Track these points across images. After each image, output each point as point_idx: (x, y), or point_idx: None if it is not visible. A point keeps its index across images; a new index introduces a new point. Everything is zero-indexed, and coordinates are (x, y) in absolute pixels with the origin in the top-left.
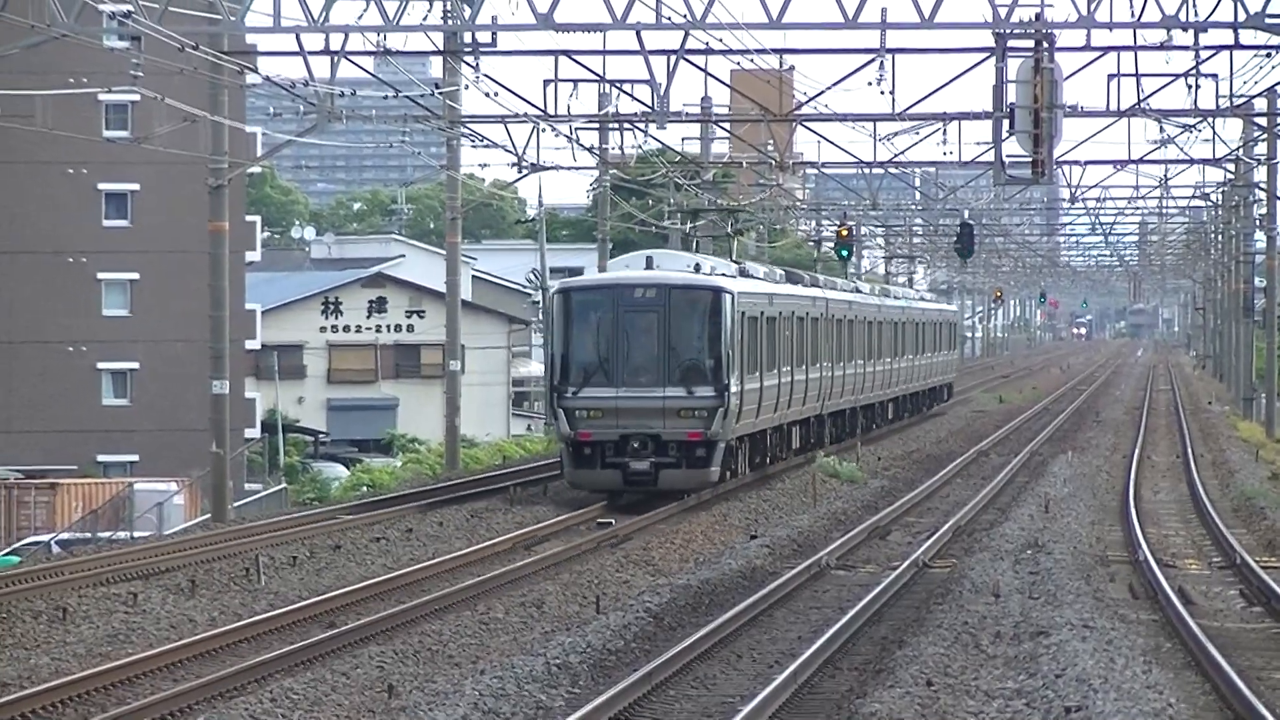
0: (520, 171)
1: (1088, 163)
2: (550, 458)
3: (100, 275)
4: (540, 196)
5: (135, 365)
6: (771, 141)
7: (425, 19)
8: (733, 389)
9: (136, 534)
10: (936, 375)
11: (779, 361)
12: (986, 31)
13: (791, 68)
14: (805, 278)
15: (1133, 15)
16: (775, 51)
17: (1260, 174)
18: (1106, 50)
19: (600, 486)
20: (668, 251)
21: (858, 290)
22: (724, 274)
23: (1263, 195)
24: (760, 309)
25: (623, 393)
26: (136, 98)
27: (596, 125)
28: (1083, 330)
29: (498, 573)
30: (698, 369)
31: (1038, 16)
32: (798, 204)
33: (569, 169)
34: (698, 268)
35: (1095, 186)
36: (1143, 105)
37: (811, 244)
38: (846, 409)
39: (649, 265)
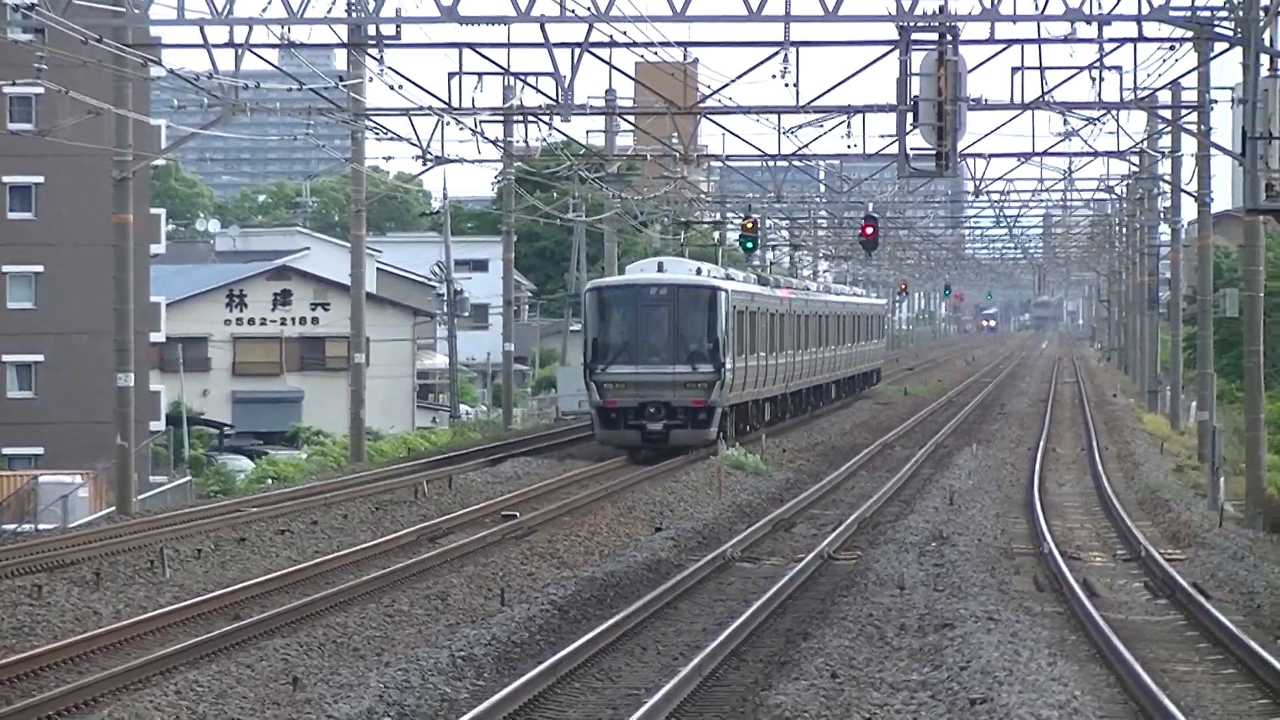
0: (425, 164)
1: (992, 155)
2: (455, 450)
3: (4, 268)
4: (445, 189)
5: (40, 358)
6: (676, 134)
7: (329, 12)
8: (727, 366)
9: (41, 526)
10: (870, 361)
11: (758, 348)
12: (890, 25)
13: (695, 61)
14: (771, 279)
15: (1036, 8)
16: (679, 44)
17: (1164, 167)
18: (1010, 43)
19: (624, 443)
20: (674, 259)
21: (807, 289)
22: (719, 276)
23: (1167, 188)
24: (745, 305)
25: (641, 369)
26: (41, 90)
27: (501, 118)
28: (992, 323)
29: (403, 565)
30: (700, 350)
31: (941, 9)
32: (703, 196)
33: (473, 162)
34: (699, 271)
35: (1000, 179)
36: (1047, 98)
37: (716, 236)
38: (804, 389)
39: (660, 269)
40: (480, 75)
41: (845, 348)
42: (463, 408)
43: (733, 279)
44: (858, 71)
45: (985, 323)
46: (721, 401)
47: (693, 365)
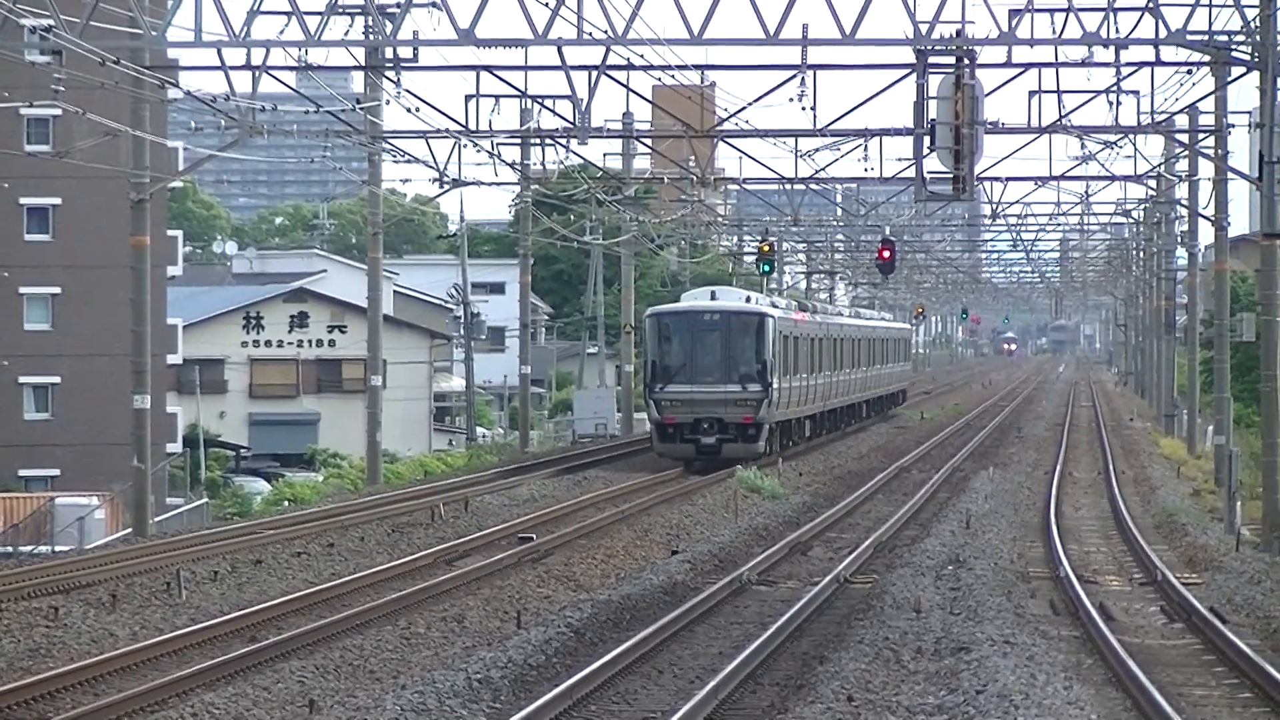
0: (442, 187)
1: (1009, 179)
2: (471, 472)
3: (22, 290)
4: (462, 212)
5: (57, 380)
6: (693, 157)
7: (347, 34)
8: (774, 386)
9: (58, 548)
10: (897, 382)
11: (800, 370)
12: (908, 48)
13: (713, 84)
14: (810, 305)
15: (1054, 32)
16: (697, 67)
17: (1181, 190)
18: (1028, 67)
19: (680, 455)
20: (725, 287)
21: (841, 314)
22: (765, 304)
23: (1184, 212)
24: (789, 330)
25: (696, 388)
26: (58, 112)
27: (518, 141)
28: (1013, 347)
29: (420, 587)
30: (750, 371)
31: (959, 33)
32: (719, 219)
33: (491, 184)
34: (748, 299)
35: (1017, 203)
36: (1064, 122)
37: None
38: (839, 407)
39: (713, 297)
40: (497, 98)
41: (875, 369)
42: (479, 430)
43: (777, 306)
44: (875, 95)
45: (1006, 346)
46: (769, 418)
47: (743, 385)
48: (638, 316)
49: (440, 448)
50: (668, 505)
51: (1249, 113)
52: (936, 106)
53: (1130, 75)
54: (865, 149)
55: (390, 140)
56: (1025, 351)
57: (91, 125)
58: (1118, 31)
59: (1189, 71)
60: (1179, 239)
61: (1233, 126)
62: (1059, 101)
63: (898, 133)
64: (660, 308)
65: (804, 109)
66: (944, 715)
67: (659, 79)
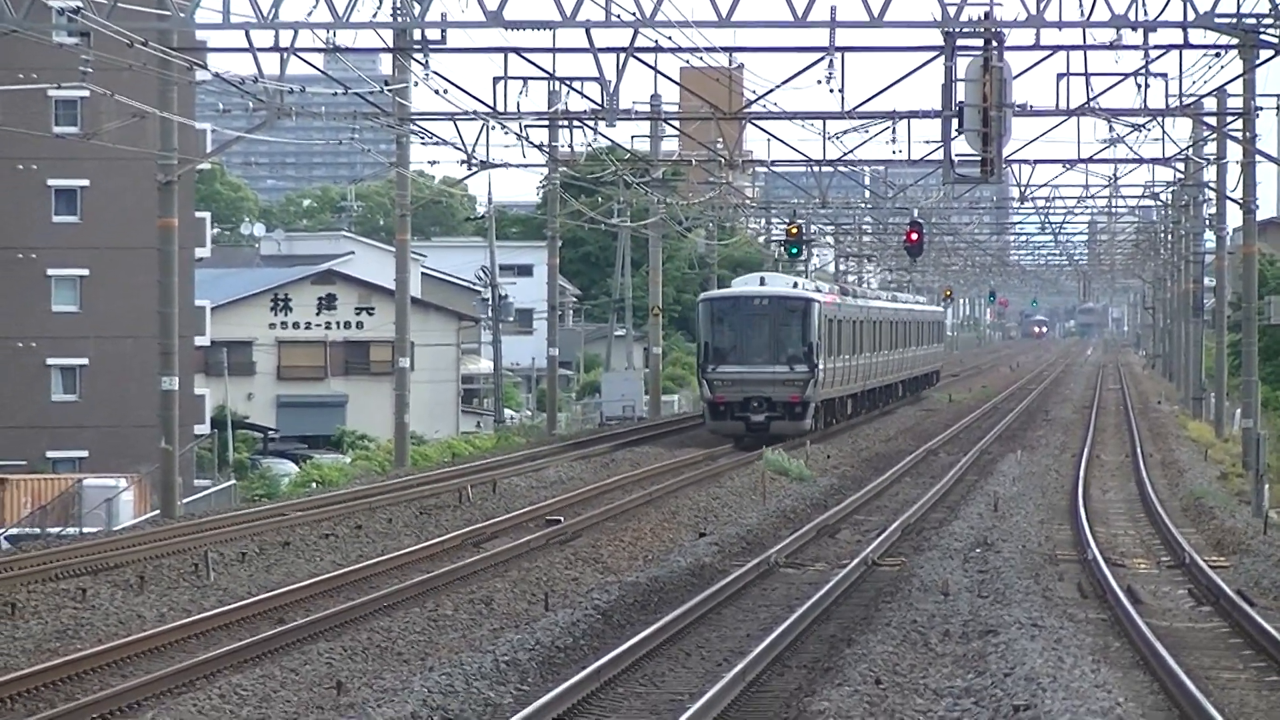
0: (470, 169)
1: (1037, 162)
2: (501, 453)
3: (50, 271)
4: (490, 194)
5: (85, 361)
6: (721, 139)
7: (375, 16)
8: (820, 367)
9: (86, 530)
10: (930, 363)
11: (843, 351)
12: (936, 30)
13: (741, 66)
14: (852, 290)
15: (1082, 14)
16: (725, 50)
17: (1210, 173)
18: (1056, 49)
19: (730, 432)
20: (773, 274)
21: (879, 296)
22: (812, 288)
23: (1212, 195)
24: (833, 314)
25: (746, 369)
26: (86, 94)
27: (546, 123)
28: (1044, 330)
29: (447, 569)
30: (797, 353)
31: (987, 15)
32: (747, 202)
33: (519, 166)
34: (795, 284)
35: (1045, 185)
36: (1092, 104)
37: (761, 242)
38: (877, 387)
39: (762, 283)
40: (525, 80)
41: (911, 351)
42: (507, 412)
43: (821, 290)
44: (903, 77)
45: (1036, 329)
46: (815, 397)
47: (790, 366)
48: (686, 301)
49: (468, 430)
50: (695, 487)
51: (1277, 95)
52: (965, 89)
53: (1159, 58)
54: (893, 131)
55: (418, 122)
56: (1054, 334)
57: (119, 107)
58: (1146, 14)
59: (1217, 54)
60: (1207, 222)
61: (1260, 109)
62: (1087, 84)
63: (926, 115)
64: (713, 293)
65: (832, 91)
66: (971, 698)
67: (687, 61)
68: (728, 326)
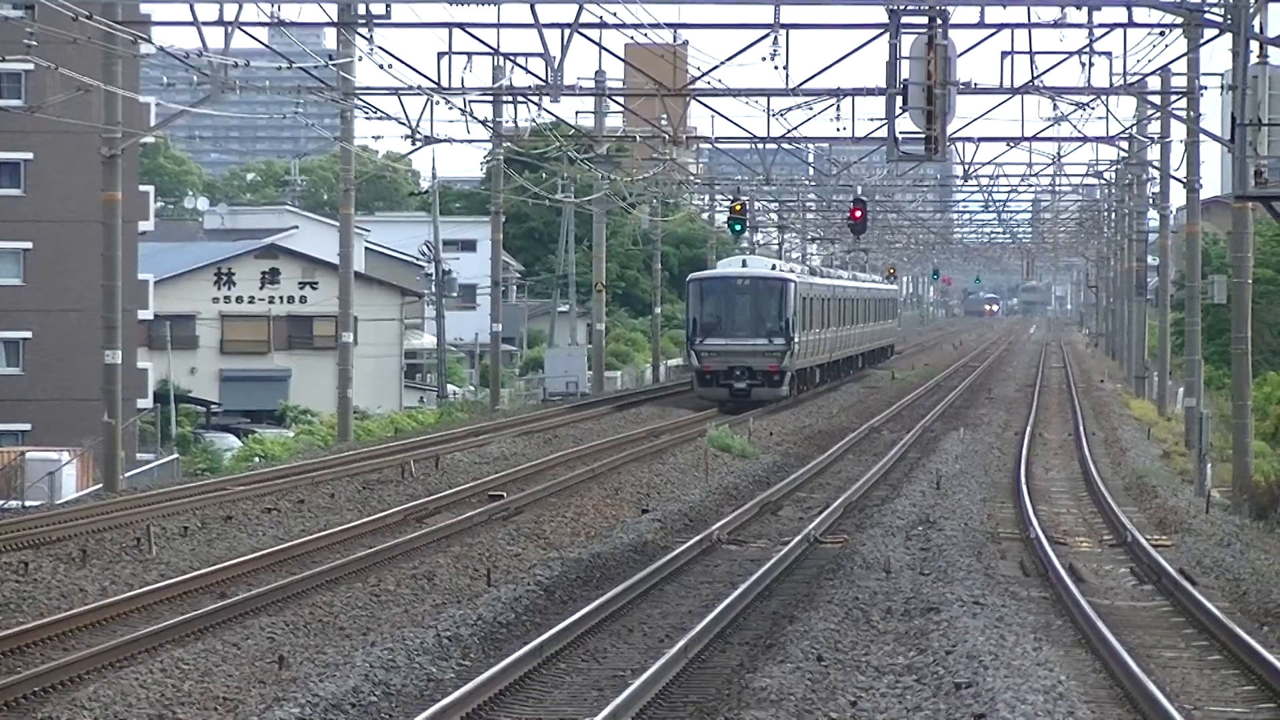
0: (414, 144)
1: (981, 140)
2: (444, 428)
3: None
4: (434, 169)
5: (28, 334)
6: (665, 116)
7: None
8: (796, 339)
9: (28, 503)
10: (888, 337)
11: (814, 326)
12: (880, 8)
13: (685, 42)
14: (819, 270)
15: None
16: (669, 26)
17: (1153, 152)
18: (1000, 27)
19: (716, 398)
20: (755, 256)
21: (841, 277)
22: (789, 269)
23: (1156, 174)
24: (807, 293)
25: (730, 342)
26: (30, 67)
27: (490, 98)
28: (994, 308)
29: (389, 545)
30: (775, 328)
31: None
32: (692, 178)
33: (463, 142)
34: (774, 266)
35: (989, 164)
36: (1036, 82)
37: (705, 219)
38: (842, 358)
39: (744, 264)
40: (470, 55)
41: (870, 325)
42: (450, 388)
43: (795, 270)
44: (847, 55)
45: (987, 307)
46: (791, 366)
47: (769, 339)
48: (629, 278)
49: (411, 405)
50: (638, 464)
51: (1221, 75)
52: (909, 66)
53: (1103, 36)
54: (837, 109)
55: (362, 97)
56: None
57: (64, 80)
58: None
59: (1162, 33)
60: (1150, 200)
61: (1205, 88)
62: (1031, 62)
63: (870, 93)
64: (700, 274)
65: (776, 68)
66: (913, 675)
67: (632, 37)
68: (713, 304)
